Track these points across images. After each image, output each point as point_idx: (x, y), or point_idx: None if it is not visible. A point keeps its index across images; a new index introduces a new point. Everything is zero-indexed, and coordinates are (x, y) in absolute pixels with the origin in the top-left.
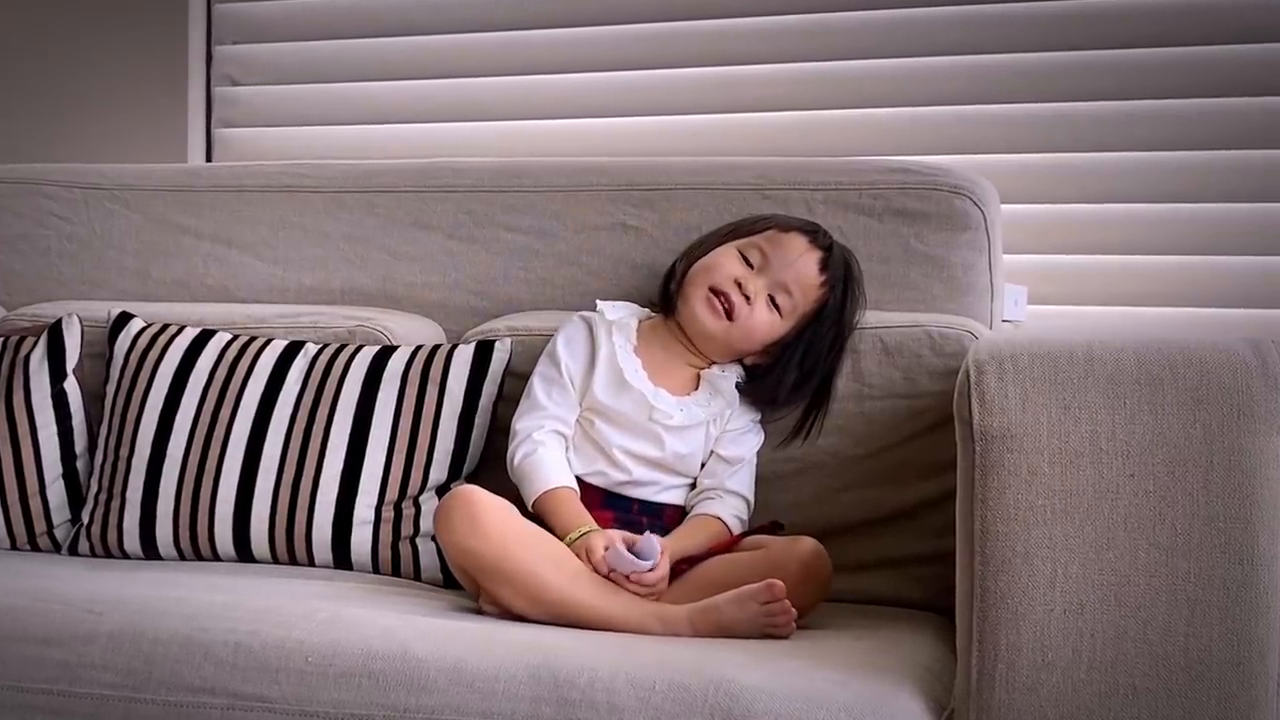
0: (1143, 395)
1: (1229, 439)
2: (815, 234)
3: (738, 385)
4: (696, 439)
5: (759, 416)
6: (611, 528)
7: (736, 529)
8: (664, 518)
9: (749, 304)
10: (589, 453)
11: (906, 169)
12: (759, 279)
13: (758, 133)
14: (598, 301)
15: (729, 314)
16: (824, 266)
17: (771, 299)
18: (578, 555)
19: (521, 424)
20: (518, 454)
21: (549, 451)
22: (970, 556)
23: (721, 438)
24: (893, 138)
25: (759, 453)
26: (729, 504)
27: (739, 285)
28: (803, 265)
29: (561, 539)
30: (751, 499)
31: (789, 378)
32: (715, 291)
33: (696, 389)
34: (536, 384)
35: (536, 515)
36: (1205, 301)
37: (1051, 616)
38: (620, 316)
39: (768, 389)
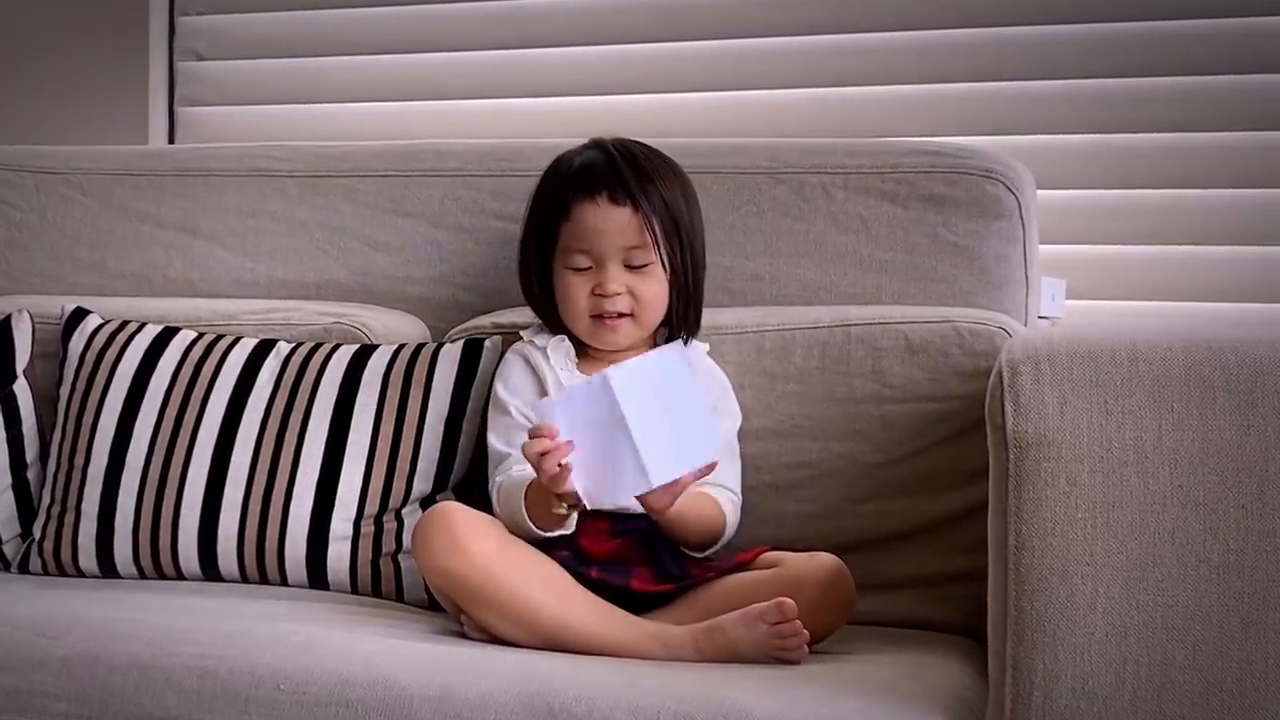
0: (1192, 399)
1: None
2: (589, 188)
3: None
4: None
5: (717, 397)
6: (606, 535)
7: (730, 511)
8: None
9: (623, 295)
10: None
11: (934, 151)
12: (605, 271)
13: (770, 111)
14: (521, 333)
15: (622, 316)
16: (620, 201)
17: (629, 268)
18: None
19: (492, 478)
20: (493, 492)
21: (519, 468)
22: (1003, 575)
23: None
24: (919, 117)
25: (741, 435)
26: (714, 491)
27: (601, 297)
28: (611, 225)
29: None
30: (739, 493)
31: (697, 293)
32: (595, 318)
33: None
34: (491, 438)
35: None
36: (1260, 297)
37: (1092, 640)
38: (549, 341)
39: (685, 316)
